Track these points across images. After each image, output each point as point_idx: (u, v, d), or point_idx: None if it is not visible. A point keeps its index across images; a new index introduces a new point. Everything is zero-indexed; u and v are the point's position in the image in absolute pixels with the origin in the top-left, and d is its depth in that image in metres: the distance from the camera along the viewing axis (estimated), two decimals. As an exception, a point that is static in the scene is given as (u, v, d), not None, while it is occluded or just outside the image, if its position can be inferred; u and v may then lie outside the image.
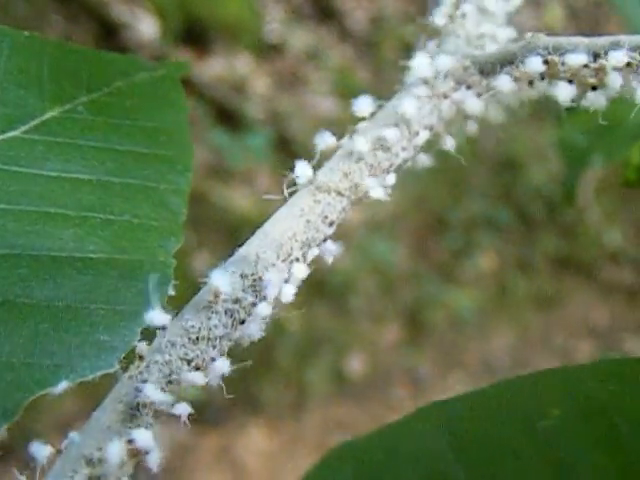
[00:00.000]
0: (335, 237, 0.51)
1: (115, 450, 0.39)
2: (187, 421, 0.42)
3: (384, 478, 0.41)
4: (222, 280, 0.44)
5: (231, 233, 3.12)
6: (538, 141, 3.98)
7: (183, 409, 0.43)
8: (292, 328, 3.09)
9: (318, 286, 3.20)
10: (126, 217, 0.52)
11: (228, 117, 3.45)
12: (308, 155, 0.51)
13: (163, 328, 0.43)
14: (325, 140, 0.52)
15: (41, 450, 0.40)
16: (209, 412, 2.79)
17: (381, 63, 3.91)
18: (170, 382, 0.42)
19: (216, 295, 0.44)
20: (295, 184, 0.50)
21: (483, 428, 0.42)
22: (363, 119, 0.53)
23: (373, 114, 0.53)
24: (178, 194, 0.55)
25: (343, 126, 0.53)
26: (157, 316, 0.44)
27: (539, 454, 0.41)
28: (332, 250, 0.50)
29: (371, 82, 3.82)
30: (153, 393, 0.41)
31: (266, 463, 2.87)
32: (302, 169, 0.50)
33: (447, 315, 3.51)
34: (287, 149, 3.37)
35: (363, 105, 0.52)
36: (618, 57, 0.48)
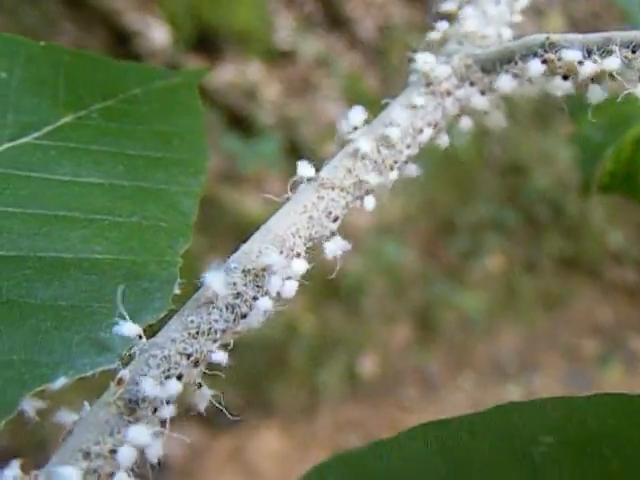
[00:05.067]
0: (346, 240, 0.50)
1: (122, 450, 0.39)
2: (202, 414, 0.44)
3: None
4: (216, 280, 0.44)
5: (242, 237, 3.12)
6: (542, 146, 4.01)
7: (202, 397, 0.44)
8: (304, 330, 3.11)
9: (330, 288, 3.22)
10: (135, 219, 0.53)
11: (239, 123, 3.46)
12: (318, 161, 0.51)
13: (140, 337, 0.43)
14: (357, 116, 0.52)
15: (66, 417, 0.41)
16: (222, 414, 2.80)
17: (389, 70, 3.93)
18: (168, 377, 0.42)
19: (213, 294, 0.44)
20: (299, 184, 0.50)
21: (477, 451, 0.42)
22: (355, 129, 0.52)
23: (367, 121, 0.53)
24: (189, 196, 0.56)
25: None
26: (127, 327, 0.43)
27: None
28: (341, 246, 0.50)
29: (379, 88, 3.85)
30: (150, 388, 0.41)
31: (279, 465, 2.89)
32: (304, 169, 0.50)
33: (456, 316, 3.55)
34: (297, 154, 3.33)
35: (356, 116, 0.52)
36: (612, 62, 0.49)
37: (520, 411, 0.43)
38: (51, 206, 0.52)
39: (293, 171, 0.50)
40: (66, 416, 0.41)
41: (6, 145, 0.55)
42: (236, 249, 0.47)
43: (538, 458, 0.41)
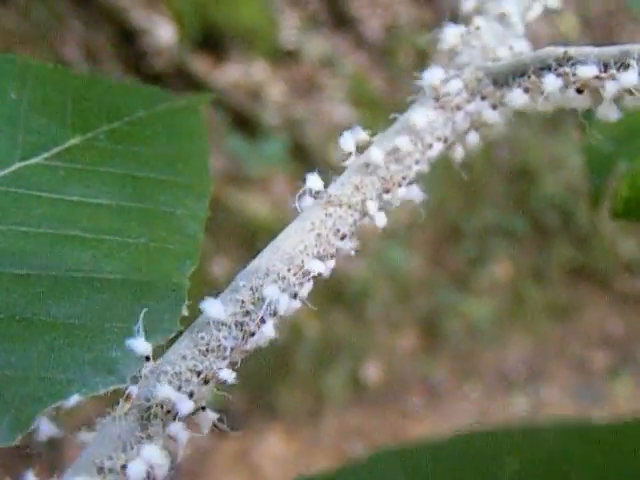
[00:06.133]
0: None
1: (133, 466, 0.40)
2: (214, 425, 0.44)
3: None
4: (215, 309, 0.44)
5: (248, 238, 3.13)
6: (552, 151, 4.00)
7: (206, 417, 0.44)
8: (310, 335, 3.10)
9: (336, 293, 3.21)
10: (143, 240, 0.54)
11: (244, 123, 3.46)
12: (323, 162, 0.50)
13: (147, 358, 0.43)
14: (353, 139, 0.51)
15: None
16: (228, 417, 2.79)
17: (395, 70, 3.92)
18: (180, 394, 0.42)
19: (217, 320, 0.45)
20: (306, 195, 0.50)
21: (440, 474, 0.42)
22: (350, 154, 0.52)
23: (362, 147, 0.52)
24: (195, 219, 0.57)
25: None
26: (140, 345, 0.44)
27: None
28: (349, 247, 0.50)
29: (386, 89, 3.84)
30: (167, 392, 0.41)
31: (283, 468, 2.88)
32: (313, 182, 0.50)
33: (463, 323, 3.52)
34: (303, 155, 3.37)
35: (349, 140, 0.51)
36: (628, 78, 0.48)
37: (483, 436, 0.44)
38: (62, 226, 0.53)
39: (298, 173, 0.48)
40: (83, 434, 0.42)
41: (17, 165, 0.57)
42: (244, 266, 0.47)
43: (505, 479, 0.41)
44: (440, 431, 3.13)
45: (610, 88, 0.48)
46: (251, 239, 3.10)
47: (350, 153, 0.51)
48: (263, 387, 2.94)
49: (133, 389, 0.42)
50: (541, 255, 3.86)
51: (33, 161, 0.57)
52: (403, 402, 3.25)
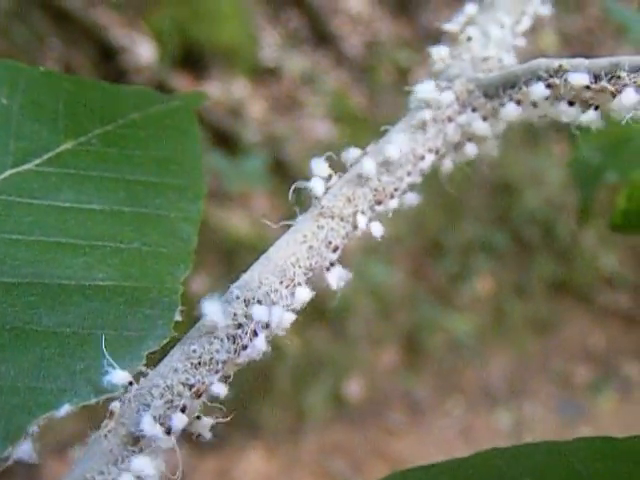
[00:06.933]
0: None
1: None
2: (185, 445, 0.43)
3: None
4: (214, 309, 0.44)
5: (228, 254, 3.13)
6: (532, 166, 4.01)
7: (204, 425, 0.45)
8: (291, 352, 3.08)
9: (317, 310, 3.20)
10: (136, 245, 0.53)
11: (225, 140, 3.46)
12: (304, 178, 0.51)
13: (130, 383, 0.43)
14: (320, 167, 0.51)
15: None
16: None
17: (376, 87, 3.94)
18: (172, 408, 0.42)
19: (214, 324, 0.44)
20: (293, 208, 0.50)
21: None
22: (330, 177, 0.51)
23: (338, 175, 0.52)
24: (189, 222, 0.56)
25: (339, 149, 0.52)
26: (117, 375, 0.43)
27: None
28: (342, 276, 0.50)
29: (366, 106, 3.85)
30: (150, 427, 0.41)
31: (264, 486, 2.87)
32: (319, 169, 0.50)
33: (445, 339, 3.52)
34: (283, 172, 3.38)
35: (320, 166, 0.51)
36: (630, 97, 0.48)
37: (504, 456, 0.43)
38: (53, 233, 0.52)
39: (279, 189, 0.48)
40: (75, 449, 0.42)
41: (9, 172, 0.56)
42: (235, 277, 0.47)
43: None
44: (422, 448, 3.13)
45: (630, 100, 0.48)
46: (231, 255, 3.10)
47: (328, 176, 0.51)
48: (244, 405, 2.92)
49: (115, 405, 0.42)
50: (522, 270, 3.87)
51: (25, 168, 0.57)
52: (385, 418, 3.25)
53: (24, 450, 0.41)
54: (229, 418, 0.45)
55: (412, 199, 0.54)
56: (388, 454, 3.07)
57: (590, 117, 0.50)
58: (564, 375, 3.63)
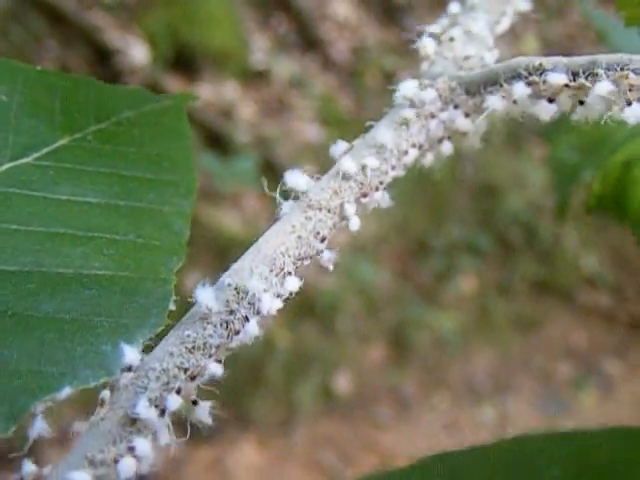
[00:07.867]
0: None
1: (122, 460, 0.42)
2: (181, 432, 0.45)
3: None
4: (207, 296, 0.46)
5: (220, 253, 3.14)
6: (515, 169, 4.05)
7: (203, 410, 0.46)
8: (281, 347, 3.12)
9: (306, 307, 3.24)
10: (131, 237, 0.54)
11: (216, 141, 3.49)
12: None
13: (129, 369, 0.44)
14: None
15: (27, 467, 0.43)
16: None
17: (363, 91, 3.98)
18: (167, 390, 0.43)
19: (208, 310, 0.46)
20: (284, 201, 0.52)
21: None
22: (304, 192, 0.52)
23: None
24: (181, 216, 0.57)
25: (327, 152, 0.54)
26: (128, 353, 0.44)
27: None
28: (330, 258, 0.51)
29: (353, 109, 3.90)
30: (145, 410, 0.42)
31: (256, 477, 2.90)
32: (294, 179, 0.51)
33: (430, 336, 3.55)
34: (273, 172, 3.39)
35: (297, 178, 0.52)
36: (602, 87, 0.49)
37: (534, 442, 0.43)
38: (52, 224, 0.53)
39: (269, 189, 0.51)
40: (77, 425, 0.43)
41: (8, 165, 0.57)
42: (227, 268, 0.48)
43: None
44: (409, 440, 3.17)
45: (603, 89, 0.49)
46: (224, 253, 3.12)
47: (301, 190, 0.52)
48: (236, 397, 2.95)
49: (106, 393, 0.43)
50: (506, 270, 3.91)
51: (23, 161, 0.58)
52: (373, 412, 3.28)
53: (41, 427, 0.42)
54: (222, 412, 0.46)
55: (386, 200, 0.55)
56: (377, 446, 3.10)
57: (580, 113, 0.51)
58: (546, 372, 3.66)
